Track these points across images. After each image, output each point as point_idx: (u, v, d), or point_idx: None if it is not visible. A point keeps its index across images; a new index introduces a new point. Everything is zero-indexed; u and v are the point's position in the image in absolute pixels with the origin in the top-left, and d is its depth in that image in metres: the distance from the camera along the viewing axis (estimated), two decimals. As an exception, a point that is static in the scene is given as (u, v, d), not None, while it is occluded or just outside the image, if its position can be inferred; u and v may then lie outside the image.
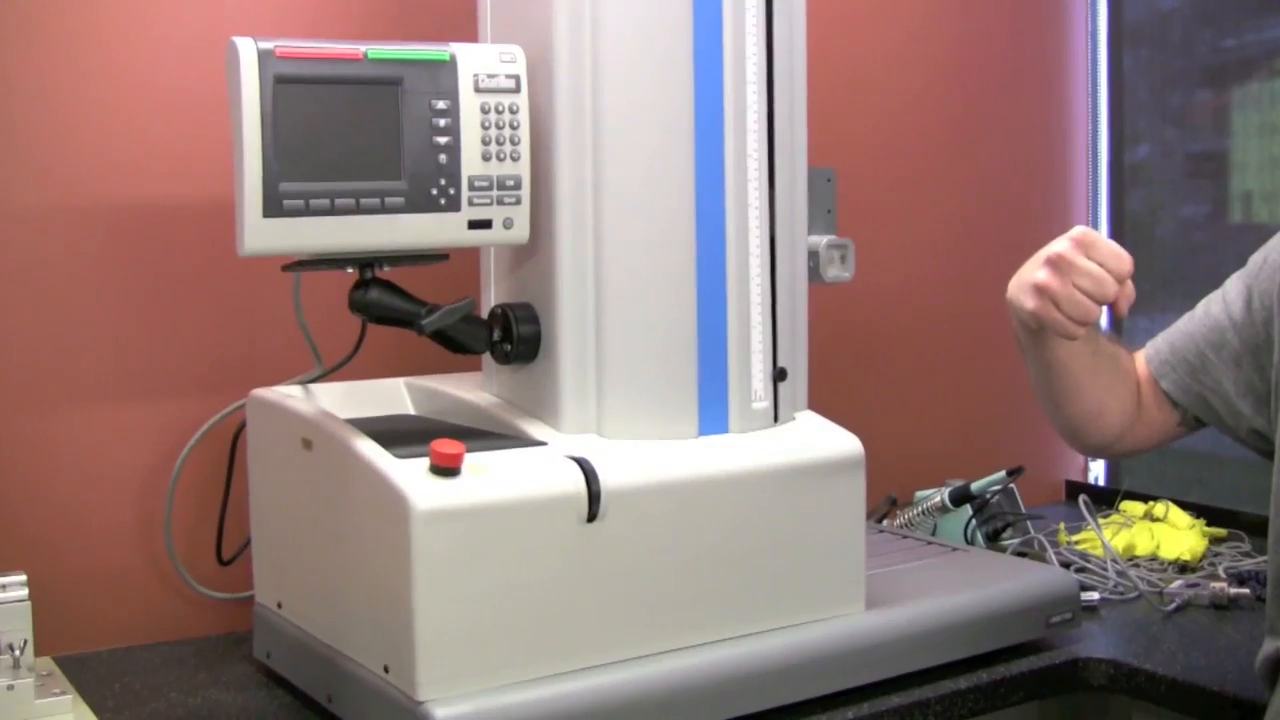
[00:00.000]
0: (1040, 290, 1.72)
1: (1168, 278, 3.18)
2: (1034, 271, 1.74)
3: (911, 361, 3.03)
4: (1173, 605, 2.37)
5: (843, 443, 1.96)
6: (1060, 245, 1.72)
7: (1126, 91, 3.36)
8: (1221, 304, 1.88)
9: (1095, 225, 3.33)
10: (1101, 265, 1.70)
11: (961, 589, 2.10)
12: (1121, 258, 1.72)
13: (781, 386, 1.96)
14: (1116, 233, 3.33)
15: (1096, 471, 3.35)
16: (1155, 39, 3.36)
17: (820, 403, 2.06)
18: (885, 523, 2.67)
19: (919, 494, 2.71)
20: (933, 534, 2.61)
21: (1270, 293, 1.81)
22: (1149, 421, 1.95)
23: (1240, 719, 1.87)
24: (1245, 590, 2.37)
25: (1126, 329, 3.27)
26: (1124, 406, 1.94)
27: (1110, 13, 3.34)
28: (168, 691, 1.99)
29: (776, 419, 1.97)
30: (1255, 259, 1.86)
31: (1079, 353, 1.86)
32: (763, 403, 1.94)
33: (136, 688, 2.01)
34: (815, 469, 1.92)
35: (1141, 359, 1.96)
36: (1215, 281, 1.95)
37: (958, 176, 3.10)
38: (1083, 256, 1.70)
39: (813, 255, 2.16)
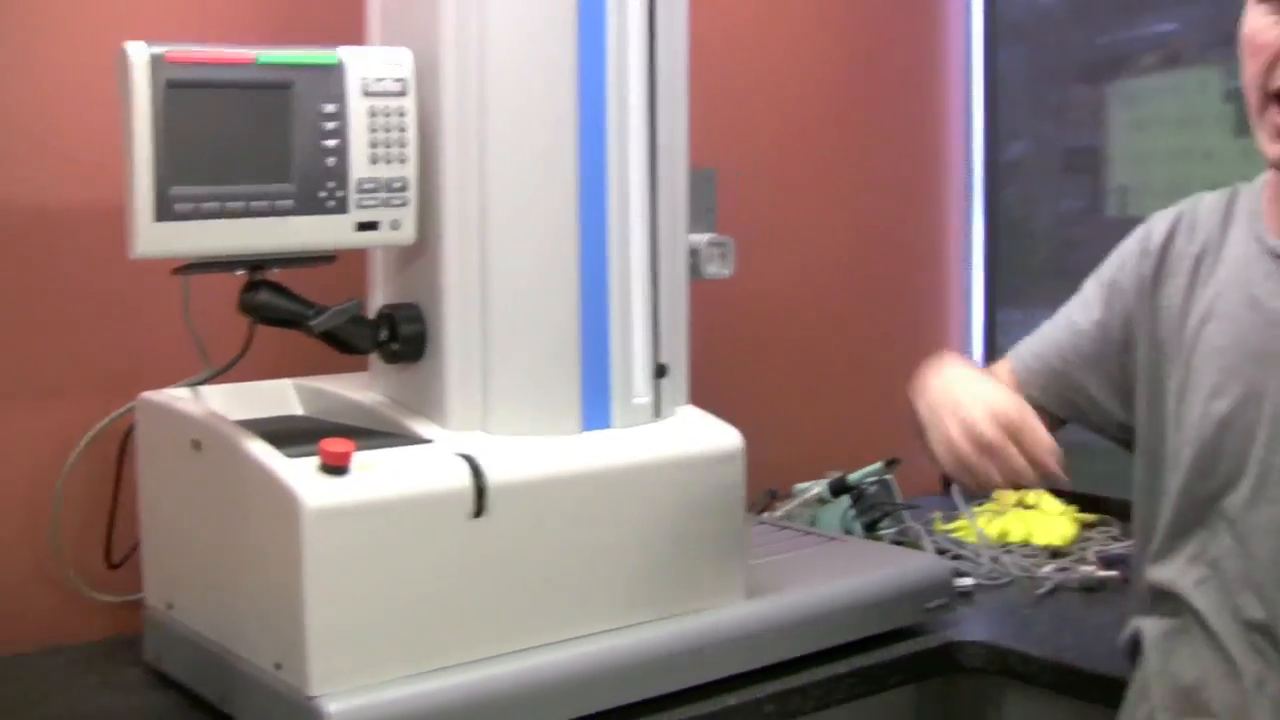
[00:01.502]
0: (961, 469, 1.67)
1: (1045, 271, 3.25)
2: (960, 441, 1.66)
3: (791, 356, 3.07)
4: (1044, 589, 2.45)
5: (723, 436, 2.00)
6: (989, 430, 1.63)
7: (1004, 88, 3.40)
8: (1082, 308, 1.94)
9: (970, 222, 3.40)
10: (1028, 452, 1.63)
11: (839, 577, 2.16)
12: (1047, 448, 1.64)
13: (663, 382, 2.00)
14: (992, 228, 3.39)
15: (973, 462, 3.40)
16: (1032, 36, 3.41)
17: (701, 398, 2.10)
18: (765, 515, 2.71)
19: (798, 486, 2.76)
20: (812, 525, 2.65)
21: (1129, 292, 1.87)
22: None
23: (1107, 695, 1.93)
24: (1114, 573, 2.46)
25: (1002, 321, 3.34)
26: None
27: (986, 10, 3.39)
28: (57, 696, 1.98)
29: (658, 414, 2.00)
30: (1112, 261, 1.92)
31: None
32: (644, 398, 1.98)
33: (25, 694, 1.99)
34: (696, 462, 1.97)
35: (1007, 368, 2.00)
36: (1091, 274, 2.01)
37: (837, 175, 3.15)
38: (1011, 446, 1.63)
39: (693, 253, 2.19)
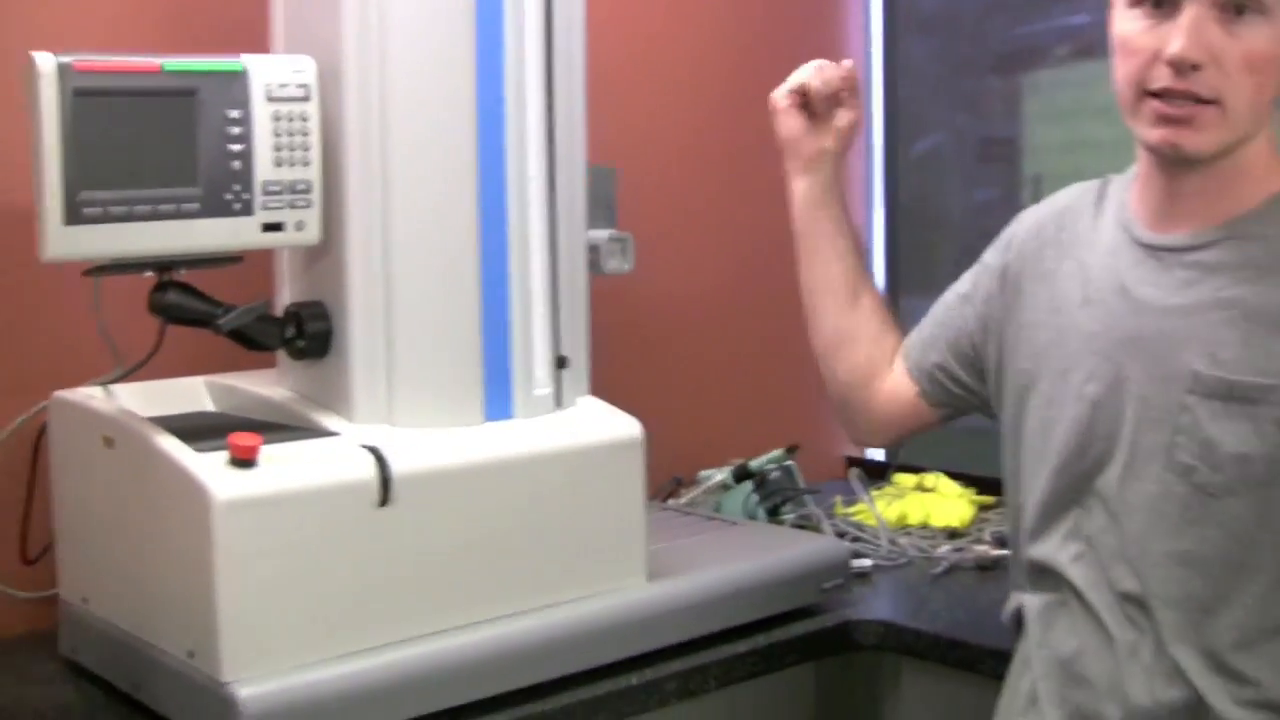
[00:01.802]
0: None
1: (960, 260, 3.28)
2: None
3: (694, 347, 3.12)
4: (940, 569, 2.52)
5: (622, 426, 2.07)
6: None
7: (921, 80, 3.43)
8: (954, 290, 2.03)
9: (870, 212, 3.46)
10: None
11: (739, 560, 2.22)
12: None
13: (564, 374, 2.06)
14: (893, 218, 3.44)
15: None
16: (948, 28, 3.44)
17: (607, 389, 2.15)
18: (671, 501, 2.77)
19: (702, 473, 2.82)
20: (716, 511, 2.71)
21: (993, 279, 1.97)
22: (903, 401, 2.07)
23: (995, 667, 2.00)
24: (1007, 551, 2.50)
25: (912, 309, 3.39)
26: (873, 350, 2.08)
27: (885, 3, 3.42)
28: (-29, 691, 1.99)
29: (559, 404, 2.06)
30: (987, 251, 2.01)
31: (830, 253, 2.08)
32: (545, 389, 2.04)
33: (-58, 690, 2.00)
34: (596, 451, 2.03)
35: (901, 367, 2.08)
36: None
37: (737, 169, 3.17)
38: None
39: (594, 249, 2.24)
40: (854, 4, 3.46)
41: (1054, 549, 1.83)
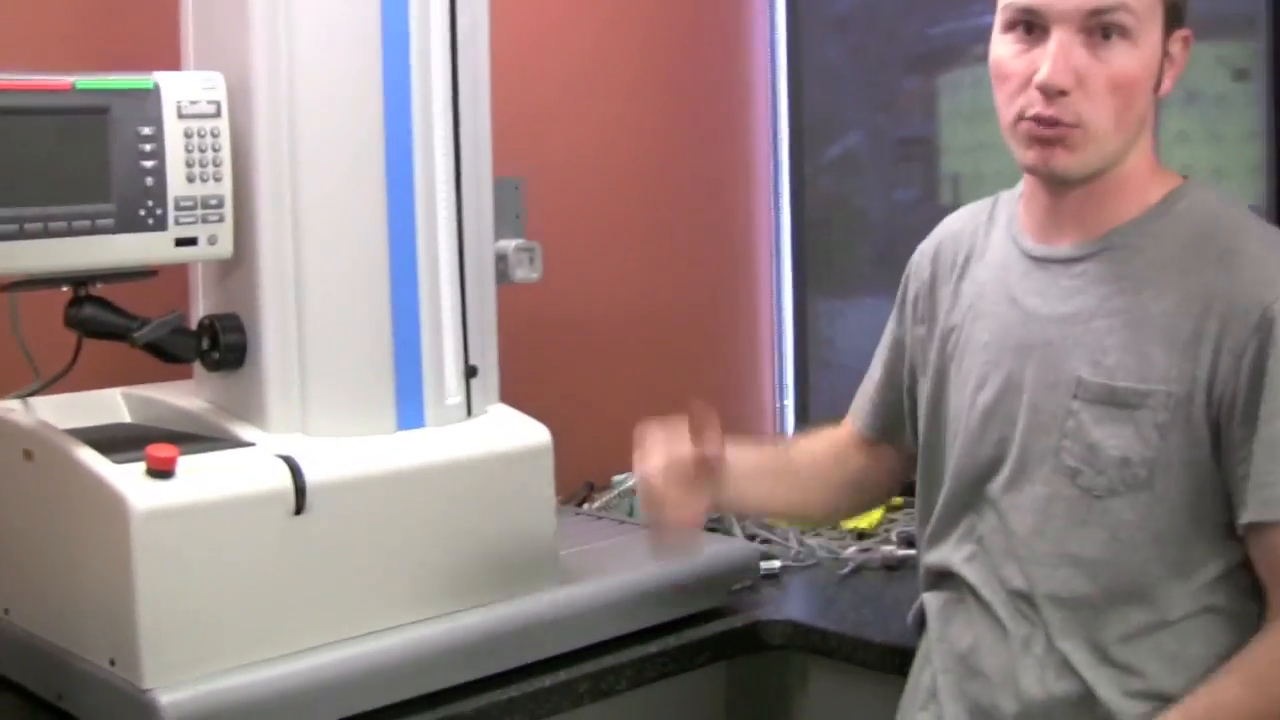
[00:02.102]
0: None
1: (880, 260, 3.29)
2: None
3: (605, 354, 3.14)
4: (847, 569, 2.57)
5: (532, 433, 2.11)
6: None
7: (837, 80, 3.44)
8: (884, 336, 2.11)
9: (778, 215, 3.49)
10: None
11: (649, 563, 2.25)
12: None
13: (474, 382, 2.09)
14: (798, 222, 3.46)
15: (789, 453, 3.51)
16: (865, 27, 3.44)
17: (517, 396, 2.19)
18: (584, 506, 2.79)
19: (616, 478, 2.84)
20: (629, 515, 2.74)
21: (909, 305, 2.04)
22: (882, 462, 2.16)
23: (900, 665, 2.05)
24: (913, 551, 2.56)
25: (825, 311, 3.43)
26: (825, 496, 2.18)
27: (789, 6, 3.44)
28: (-110, 706, 2.00)
29: (470, 413, 2.09)
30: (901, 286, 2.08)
31: (767, 495, 2.15)
32: (456, 398, 2.07)
33: None
34: (506, 458, 2.07)
35: (848, 424, 2.17)
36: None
37: (644, 177, 3.22)
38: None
39: (503, 258, 2.28)
40: (759, 5, 3.46)
41: (949, 552, 1.89)
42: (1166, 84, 1.77)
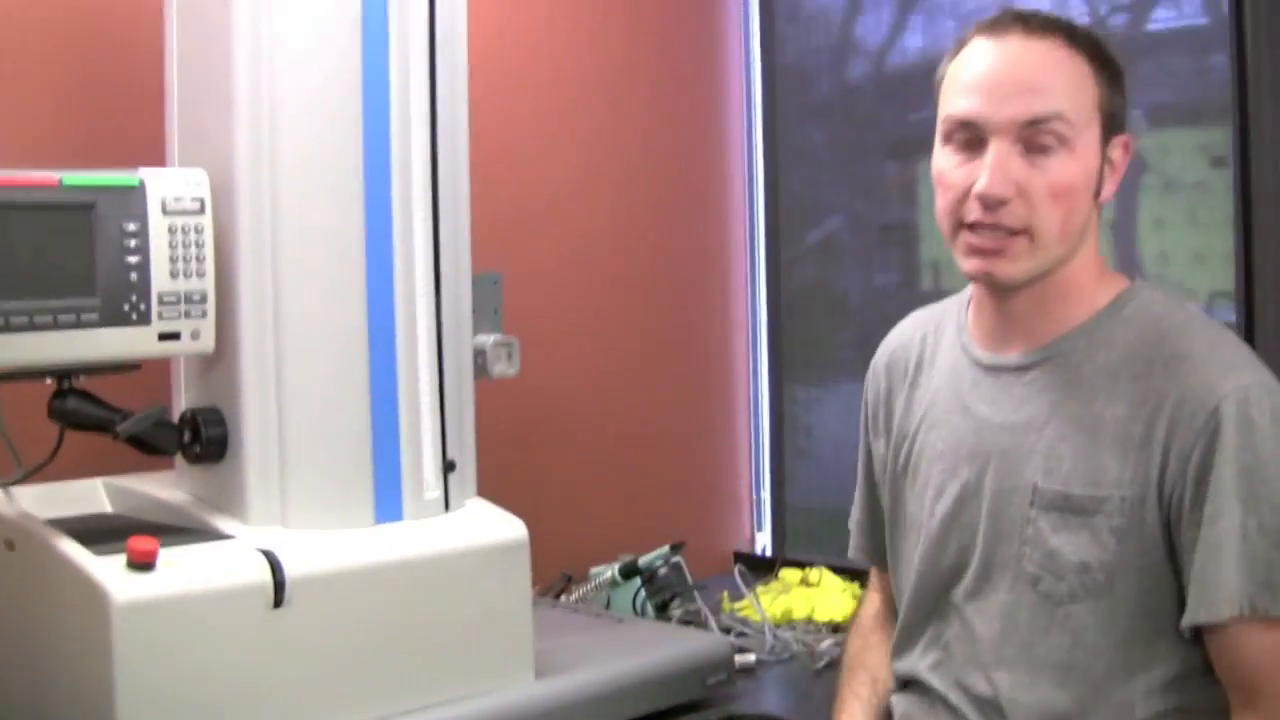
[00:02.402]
0: None
1: (860, 345, 3.28)
2: None
3: (583, 447, 3.17)
4: (822, 663, 2.58)
5: (508, 528, 2.12)
6: None
7: (818, 166, 3.49)
8: (860, 457, 2.12)
9: (754, 301, 3.53)
10: None
11: (625, 656, 2.27)
12: None
13: (451, 476, 2.11)
14: (774, 310, 3.51)
15: (763, 542, 3.54)
16: (844, 114, 3.50)
17: (495, 489, 2.21)
18: (561, 598, 2.81)
19: (593, 570, 2.86)
20: (606, 607, 2.76)
21: (870, 422, 2.06)
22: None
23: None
24: (887, 647, 2.60)
25: (803, 399, 3.44)
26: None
27: (766, 95, 3.51)
28: None
29: (448, 507, 2.11)
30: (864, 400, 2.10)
31: None
32: (434, 492, 2.09)
33: None
34: (483, 552, 2.08)
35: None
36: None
37: (622, 272, 3.26)
38: None
39: (481, 353, 2.30)
40: (737, 96, 3.52)
41: (915, 660, 1.91)
42: (1108, 189, 1.79)
